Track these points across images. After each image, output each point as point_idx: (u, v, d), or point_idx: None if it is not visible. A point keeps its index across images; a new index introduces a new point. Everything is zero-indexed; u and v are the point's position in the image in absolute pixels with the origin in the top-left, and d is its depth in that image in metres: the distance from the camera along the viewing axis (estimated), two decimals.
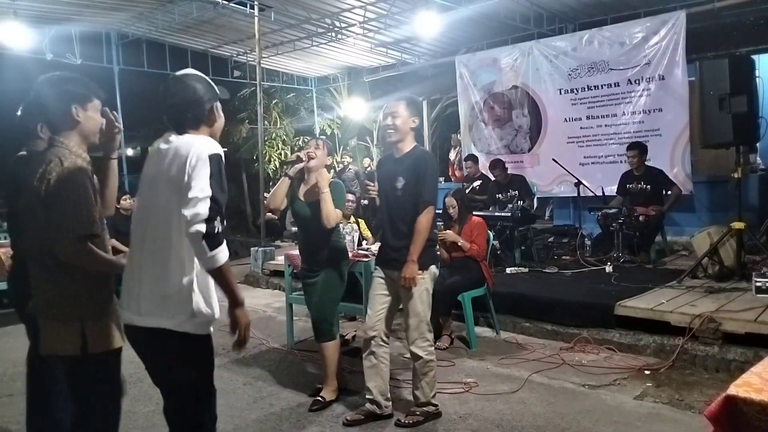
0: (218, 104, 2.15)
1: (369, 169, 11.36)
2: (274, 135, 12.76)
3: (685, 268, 5.61)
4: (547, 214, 9.96)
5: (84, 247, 2.08)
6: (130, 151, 20.21)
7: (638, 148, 6.67)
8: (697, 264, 5.37)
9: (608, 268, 6.08)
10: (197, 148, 1.95)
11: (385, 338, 3.41)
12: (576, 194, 7.27)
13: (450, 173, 10.80)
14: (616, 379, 3.98)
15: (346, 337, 5.03)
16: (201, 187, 1.88)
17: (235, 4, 8.33)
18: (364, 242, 5.19)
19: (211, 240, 1.86)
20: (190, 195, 1.87)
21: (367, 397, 3.42)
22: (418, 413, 3.36)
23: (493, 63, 8.84)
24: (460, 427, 3.36)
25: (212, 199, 1.88)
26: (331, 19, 8.91)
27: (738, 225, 5.12)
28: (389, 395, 3.46)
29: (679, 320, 4.34)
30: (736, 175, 5.22)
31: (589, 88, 7.85)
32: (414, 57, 10.74)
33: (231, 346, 2.11)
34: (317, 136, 3.69)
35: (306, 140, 3.60)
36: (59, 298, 2.14)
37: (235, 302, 2.02)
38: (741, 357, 3.97)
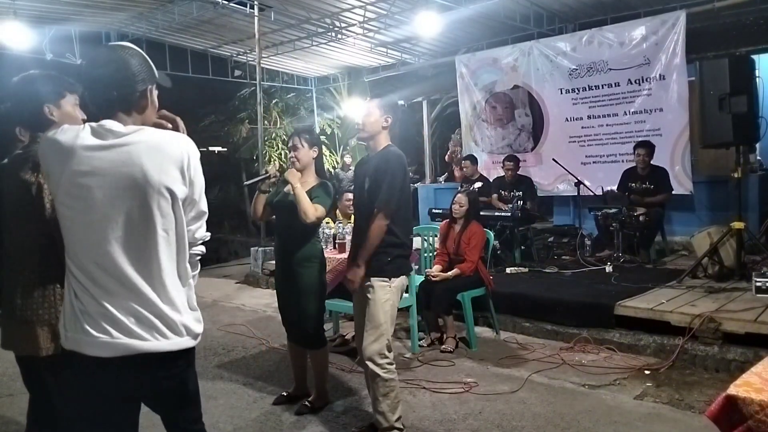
0: (154, 89, 1.78)
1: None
2: (274, 135, 12.76)
3: (685, 268, 5.61)
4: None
5: None
6: None
7: (648, 147, 6.70)
8: (697, 264, 5.37)
9: (608, 268, 6.08)
10: (187, 148, 1.69)
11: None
12: (576, 193, 7.28)
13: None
14: (616, 379, 3.98)
15: (345, 337, 5.03)
16: (205, 202, 1.76)
17: (235, 4, 8.32)
18: None
19: (201, 259, 1.82)
20: (202, 209, 1.75)
21: (375, 409, 3.28)
22: None
23: (493, 63, 8.84)
24: (460, 427, 3.36)
25: None
26: (331, 19, 8.90)
27: (738, 225, 5.12)
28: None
29: (679, 320, 4.34)
30: (736, 175, 5.22)
31: (589, 88, 7.84)
32: (414, 57, 10.73)
33: None
34: (297, 130, 3.58)
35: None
36: (35, 299, 2.09)
37: None
38: (741, 357, 3.97)
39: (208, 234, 1.79)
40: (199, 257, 1.79)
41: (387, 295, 3.07)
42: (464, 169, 8.27)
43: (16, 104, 2.20)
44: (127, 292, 1.63)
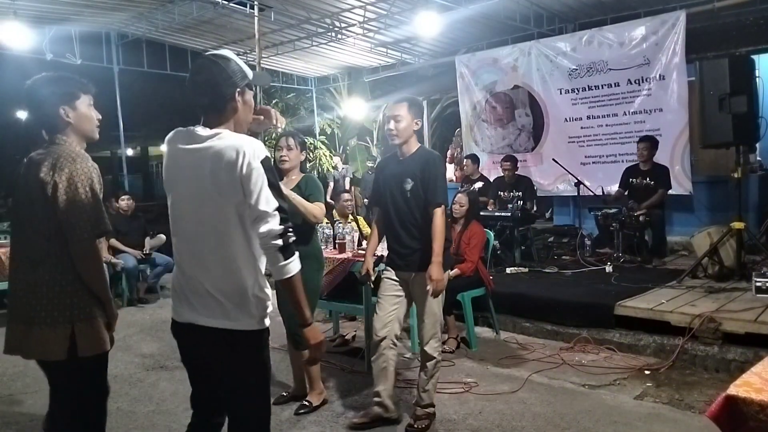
0: (246, 91, 1.93)
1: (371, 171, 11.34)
2: (274, 135, 12.77)
3: (685, 268, 5.61)
4: (548, 214, 9.96)
5: (96, 245, 2.09)
6: (129, 151, 20.21)
7: (650, 141, 6.70)
8: (697, 264, 5.37)
9: (608, 268, 6.08)
10: (245, 153, 1.79)
11: (395, 340, 3.34)
12: (576, 193, 7.29)
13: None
14: (616, 379, 3.98)
15: (345, 337, 5.04)
16: (266, 199, 1.82)
17: (235, 4, 8.33)
18: (364, 242, 5.18)
19: (285, 251, 1.85)
20: (260, 209, 1.81)
21: (374, 400, 3.34)
22: (424, 416, 3.31)
23: (493, 63, 8.85)
24: (460, 427, 3.36)
25: (279, 209, 1.84)
26: (331, 19, 8.91)
27: (738, 225, 5.12)
28: (396, 398, 3.39)
29: (679, 320, 4.34)
30: (736, 175, 5.22)
31: (589, 88, 7.85)
32: (414, 57, 10.73)
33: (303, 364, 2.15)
34: (289, 132, 3.60)
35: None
36: (50, 300, 2.07)
37: (303, 320, 1.94)
38: (741, 357, 3.97)
39: (279, 227, 1.83)
40: (277, 248, 1.84)
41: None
42: (465, 168, 8.27)
43: (32, 109, 2.20)
44: (200, 275, 1.90)
